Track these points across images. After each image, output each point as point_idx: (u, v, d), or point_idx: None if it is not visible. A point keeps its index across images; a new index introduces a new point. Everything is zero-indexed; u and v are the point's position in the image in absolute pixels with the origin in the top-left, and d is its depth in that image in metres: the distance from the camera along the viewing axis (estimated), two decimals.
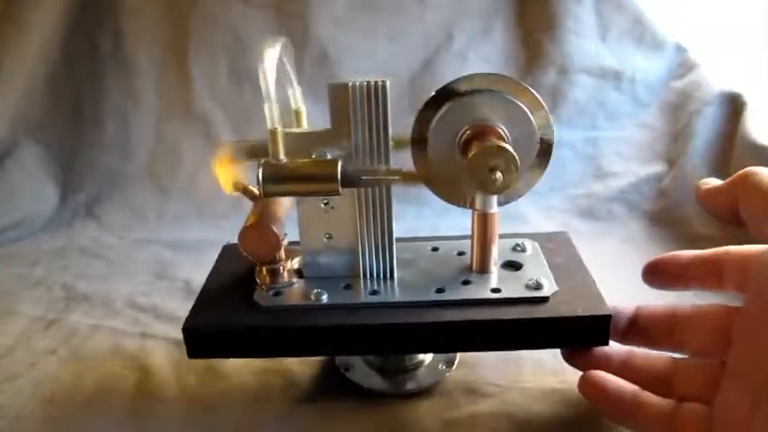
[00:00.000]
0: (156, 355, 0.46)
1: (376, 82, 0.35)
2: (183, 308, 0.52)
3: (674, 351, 0.37)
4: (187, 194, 0.72)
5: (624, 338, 0.37)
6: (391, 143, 0.37)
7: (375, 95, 0.35)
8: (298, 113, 0.40)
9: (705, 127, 0.67)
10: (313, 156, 0.37)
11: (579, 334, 0.36)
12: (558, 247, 0.42)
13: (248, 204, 0.74)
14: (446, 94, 0.36)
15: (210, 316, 0.38)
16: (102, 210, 0.71)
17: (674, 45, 0.73)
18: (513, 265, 0.40)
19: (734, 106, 0.66)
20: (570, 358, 0.38)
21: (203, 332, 0.37)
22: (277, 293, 0.39)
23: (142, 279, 0.58)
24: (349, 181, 0.36)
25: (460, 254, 0.42)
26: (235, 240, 0.38)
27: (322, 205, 0.38)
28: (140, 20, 0.73)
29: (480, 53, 0.74)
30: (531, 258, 0.41)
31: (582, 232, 0.65)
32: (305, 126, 0.40)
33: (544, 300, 0.36)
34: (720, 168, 0.65)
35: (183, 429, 0.39)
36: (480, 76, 0.35)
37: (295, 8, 0.73)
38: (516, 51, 0.75)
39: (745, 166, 0.61)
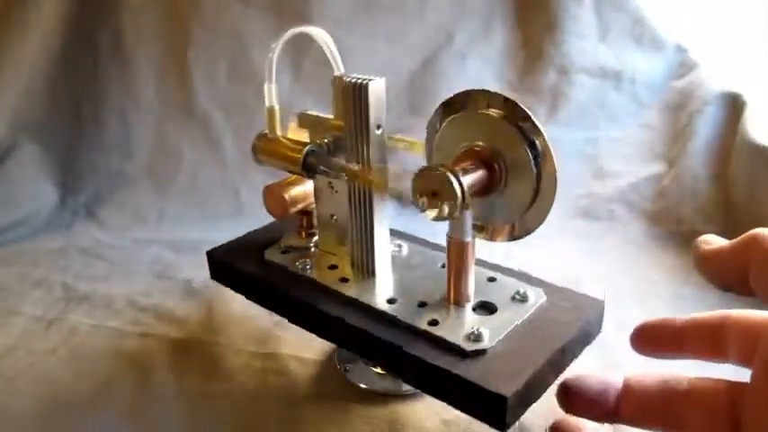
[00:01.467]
0: (156, 355, 0.46)
1: (359, 80, 0.35)
2: (183, 308, 0.53)
3: None
4: (187, 194, 0.72)
5: (614, 418, 0.32)
6: (405, 143, 0.37)
7: (358, 93, 0.35)
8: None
9: (705, 127, 0.67)
10: (325, 141, 0.38)
11: (470, 404, 0.31)
12: (568, 309, 0.35)
13: (248, 205, 0.75)
14: (463, 101, 0.34)
15: (227, 251, 0.44)
16: (103, 210, 0.71)
17: (674, 45, 0.73)
18: (487, 308, 0.36)
19: (734, 106, 0.66)
20: None
21: (211, 259, 0.44)
22: (285, 252, 0.42)
23: (142, 279, 0.58)
24: (310, 169, 0.38)
25: None
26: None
27: (328, 187, 0.40)
28: (140, 20, 0.73)
29: (480, 53, 0.74)
30: (516, 309, 0.35)
31: (582, 232, 0.65)
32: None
33: (461, 353, 0.32)
34: (720, 168, 0.65)
35: (182, 429, 0.39)
36: (500, 97, 0.32)
37: (295, 8, 0.73)
38: (516, 52, 0.75)
39: (746, 166, 0.62)
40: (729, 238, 0.30)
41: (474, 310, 0.35)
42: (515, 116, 0.32)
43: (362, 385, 0.41)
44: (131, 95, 0.74)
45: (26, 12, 0.69)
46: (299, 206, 0.42)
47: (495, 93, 0.32)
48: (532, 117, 0.31)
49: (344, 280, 0.39)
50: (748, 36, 0.72)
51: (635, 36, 0.73)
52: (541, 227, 0.68)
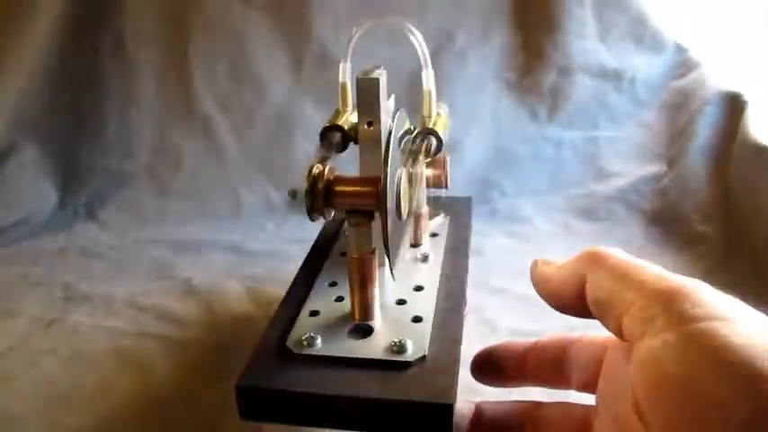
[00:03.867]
0: (155, 355, 0.46)
1: (359, 74, 0.35)
2: (183, 308, 0.53)
3: None
4: (187, 194, 0.72)
5: None
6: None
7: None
8: (427, 94, 0.39)
9: (705, 127, 0.67)
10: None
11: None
12: (408, 383, 0.29)
13: (248, 205, 0.74)
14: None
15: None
16: (103, 210, 0.71)
17: (674, 45, 0.73)
18: (364, 331, 0.33)
19: (734, 106, 0.66)
20: None
21: None
22: None
23: (142, 279, 0.58)
24: (323, 145, 0.37)
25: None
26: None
27: None
28: (140, 20, 0.73)
29: (480, 53, 0.74)
30: (375, 348, 0.31)
31: (582, 232, 0.65)
32: (432, 106, 0.39)
33: (282, 350, 0.31)
34: (720, 168, 0.65)
35: (183, 429, 0.39)
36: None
37: (295, 8, 0.73)
38: (516, 52, 0.75)
39: (746, 166, 0.62)
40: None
41: (354, 330, 0.33)
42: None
43: None
44: (131, 95, 0.74)
45: (26, 12, 0.69)
46: None
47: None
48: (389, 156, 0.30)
49: (343, 254, 0.40)
50: (748, 36, 0.72)
51: (635, 36, 0.73)
52: (541, 227, 0.68)
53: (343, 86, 0.40)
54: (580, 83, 0.73)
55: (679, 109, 0.71)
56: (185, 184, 0.73)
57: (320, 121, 0.40)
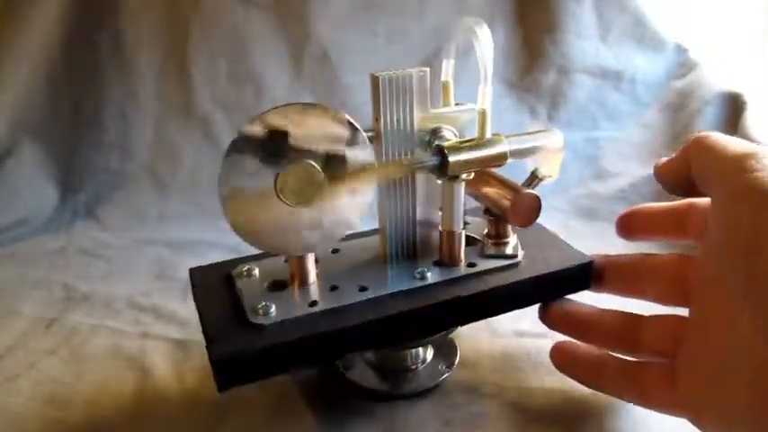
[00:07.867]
0: (156, 355, 0.46)
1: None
2: (183, 308, 0.53)
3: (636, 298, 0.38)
4: (187, 194, 0.72)
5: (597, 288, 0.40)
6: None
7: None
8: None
9: (705, 127, 0.67)
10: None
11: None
12: (266, 338, 0.34)
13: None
14: None
15: None
16: (103, 210, 0.71)
17: (674, 45, 0.73)
18: (278, 287, 0.37)
19: (734, 106, 0.66)
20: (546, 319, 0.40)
21: None
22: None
23: (142, 279, 0.58)
24: None
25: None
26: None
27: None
28: (140, 20, 0.73)
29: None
30: (254, 308, 0.35)
31: (582, 232, 0.65)
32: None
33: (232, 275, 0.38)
34: None
35: (183, 429, 0.39)
36: None
37: (295, 8, 0.73)
38: (517, 52, 0.75)
39: None
40: None
41: (273, 283, 0.38)
42: None
43: (362, 385, 0.41)
44: (131, 95, 0.74)
45: (26, 11, 0.69)
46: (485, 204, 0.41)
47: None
48: None
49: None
50: (748, 36, 0.72)
51: (635, 36, 0.73)
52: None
53: (445, 85, 0.41)
54: (580, 83, 0.73)
55: (679, 109, 0.71)
56: (185, 184, 0.73)
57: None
